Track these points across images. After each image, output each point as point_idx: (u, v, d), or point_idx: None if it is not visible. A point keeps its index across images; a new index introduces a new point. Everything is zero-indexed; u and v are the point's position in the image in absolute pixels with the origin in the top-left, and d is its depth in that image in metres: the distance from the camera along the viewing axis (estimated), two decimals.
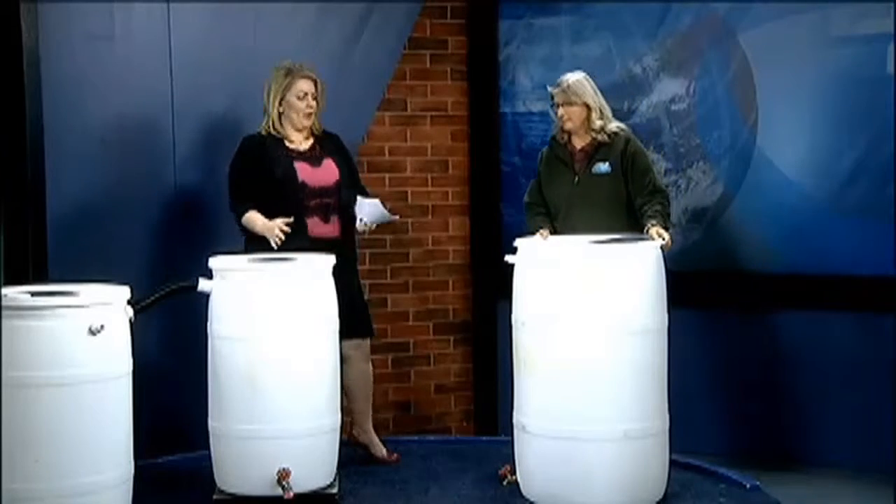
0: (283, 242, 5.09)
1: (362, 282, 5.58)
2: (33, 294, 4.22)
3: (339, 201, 5.28)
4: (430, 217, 6.47)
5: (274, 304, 4.75)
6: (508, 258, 4.84)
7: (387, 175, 6.34)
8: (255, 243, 5.17)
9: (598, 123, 5.23)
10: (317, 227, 5.23)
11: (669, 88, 6.08)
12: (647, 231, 4.97)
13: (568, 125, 5.25)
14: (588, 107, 5.22)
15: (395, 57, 6.35)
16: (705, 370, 5.97)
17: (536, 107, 6.28)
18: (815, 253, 5.69)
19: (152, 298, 4.78)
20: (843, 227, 5.62)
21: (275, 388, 4.73)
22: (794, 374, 5.81)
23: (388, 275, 6.37)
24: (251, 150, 5.26)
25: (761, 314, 5.90)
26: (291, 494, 4.67)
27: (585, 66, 5.64)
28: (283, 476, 4.69)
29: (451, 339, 6.54)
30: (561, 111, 5.25)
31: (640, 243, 4.82)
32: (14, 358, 4.02)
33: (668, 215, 5.16)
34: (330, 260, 4.91)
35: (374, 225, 5.27)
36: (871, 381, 5.53)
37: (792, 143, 5.77)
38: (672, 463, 4.86)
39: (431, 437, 6.17)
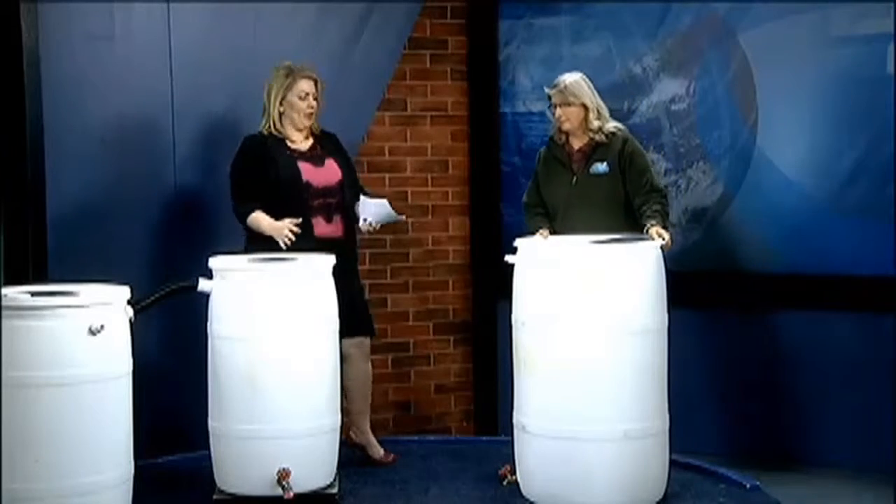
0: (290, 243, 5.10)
1: (362, 282, 5.58)
2: (33, 294, 4.22)
3: (343, 201, 5.29)
4: (430, 217, 6.47)
5: (274, 304, 4.75)
6: (508, 258, 4.84)
7: (387, 175, 6.33)
8: (255, 243, 5.17)
9: (595, 124, 5.23)
10: (320, 227, 5.23)
11: (669, 88, 6.08)
12: (647, 231, 4.97)
13: (565, 126, 5.26)
14: (585, 107, 5.22)
15: (395, 57, 6.35)
16: (705, 370, 5.97)
17: (536, 107, 6.28)
18: (815, 253, 5.69)
19: (152, 298, 4.79)
20: (843, 227, 5.62)
21: (275, 388, 4.74)
22: (794, 374, 5.81)
23: (388, 275, 6.37)
24: (253, 149, 5.26)
25: (761, 314, 5.89)
26: (291, 494, 4.67)
27: (585, 66, 5.65)
28: (283, 476, 4.69)
29: (451, 339, 6.54)
30: (558, 112, 5.25)
31: (640, 243, 4.82)
32: (14, 358, 4.02)
33: (668, 215, 5.17)
34: (330, 260, 4.91)
35: (379, 225, 5.28)
36: (871, 381, 5.53)
37: (792, 143, 5.77)
38: (672, 463, 4.86)
39: (431, 437, 6.17)
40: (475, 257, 6.53)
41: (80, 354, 4.14)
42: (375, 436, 5.52)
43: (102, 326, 4.17)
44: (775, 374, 5.85)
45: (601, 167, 5.23)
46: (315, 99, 5.30)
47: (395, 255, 6.38)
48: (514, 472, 4.94)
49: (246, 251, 5.17)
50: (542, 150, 5.43)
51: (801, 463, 5.70)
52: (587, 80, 5.28)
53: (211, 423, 4.86)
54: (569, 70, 5.40)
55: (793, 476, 5.53)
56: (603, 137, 5.23)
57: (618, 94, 5.98)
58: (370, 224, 5.24)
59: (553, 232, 5.25)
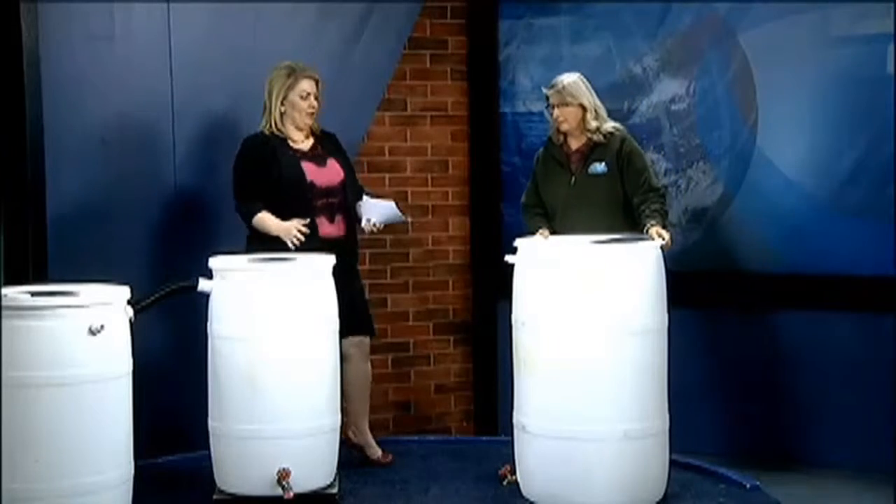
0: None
1: (363, 281, 5.57)
2: (33, 294, 4.22)
3: (345, 201, 5.29)
4: (430, 217, 6.47)
5: (274, 304, 4.75)
6: (508, 258, 4.84)
7: (387, 175, 6.33)
8: (256, 243, 5.17)
9: (593, 124, 5.23)
10: (323, 227, 5.23)
11: (669, 88, 6.08)
12: (647, 231, 4.97)
13: (564, 126, 5.26)
14: (583, 107, 5.22)
15: (395, 57, 6.35)
16: (705, 370, 5.97)
17: (536, 107, 6.26)
18: (815, 253, 5.69)
19: (152, 298, 4.78)
20: (843, 227, 5.62)
21: (275, 388, 4.73)
22: (794, 374, 5.81)
23: (388, 275, 6.37)
24: (256, 149, 5.25)
25: (761, 314, 5.89)
26: (291, 494, 4.67)
27: (585, 66, 5.66)
28: (283, 476, 4.69)
29: (451, 339, 6.54)
30: (556, 112, 5.25)
31: (640, 243, 4.82)
32: (14, 358, 4.02)
33: (667, 214, 5.17)
34: (330, 260, 4.91)
35: (382, 225, 5.28)
36: (871, 381, 5.53)
37: (792, 143, 5.77)
38: (672, 463, 4.86)
39: (431, 437, 6.17)
40: (475, 257, 6.53)
41: (80, 354, 4.14)
42: (375, 436, 5.52)
43: (102, 326, 4.17)
44: (775, 374, 5.85)
45: (599, 167, 5.23)
46: (316, 98, 5.30)
47: (396, 255, 6.38)
48: (514, 472, 4.94)
49: (246, 251, 5.16)
50: (541, 150, 5.44)
51: (801, 463, 5.70)
52: (585, 80, 5.28)
53: (211, 423, 4.86)
54: (569, 70, 5.40)
55: (793, 476, 5.53)
56: (601, 137, 5.23)
57: (618, 94, 5.99)
58: (374, 224, 5.24)
59: (552, 232, 5.25)
